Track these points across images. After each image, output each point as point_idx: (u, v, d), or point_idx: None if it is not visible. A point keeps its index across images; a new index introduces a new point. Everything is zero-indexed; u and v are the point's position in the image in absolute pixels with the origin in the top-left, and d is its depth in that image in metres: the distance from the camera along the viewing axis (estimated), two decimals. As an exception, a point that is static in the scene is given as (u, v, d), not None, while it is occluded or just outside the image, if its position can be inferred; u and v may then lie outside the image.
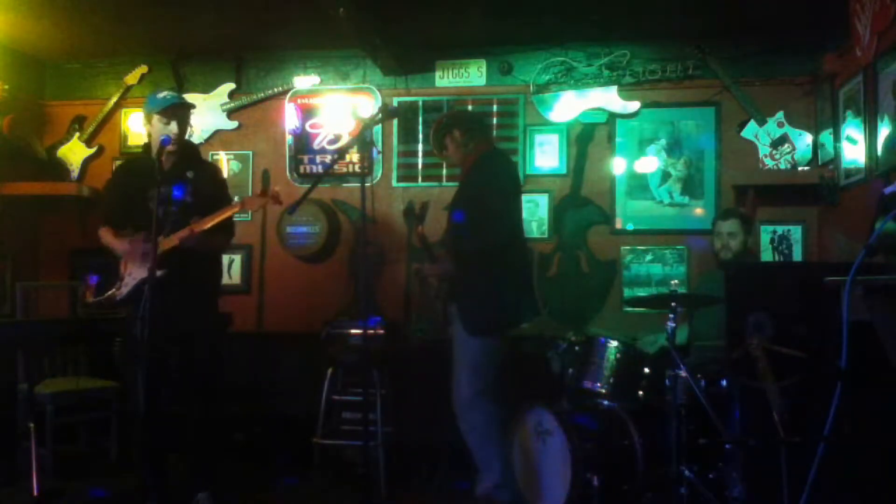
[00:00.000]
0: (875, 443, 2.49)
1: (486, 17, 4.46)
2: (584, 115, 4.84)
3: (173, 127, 3.35)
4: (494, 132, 4.92)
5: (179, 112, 3.39)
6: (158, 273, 3.05)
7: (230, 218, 3.41)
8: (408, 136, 5.04)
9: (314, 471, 4.13)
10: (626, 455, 3.32)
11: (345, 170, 5.09)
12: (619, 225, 4.81)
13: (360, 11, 4.12)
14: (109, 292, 3.45)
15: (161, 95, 3.41)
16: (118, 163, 3.97)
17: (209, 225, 3.25)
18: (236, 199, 3.56)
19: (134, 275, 3.36)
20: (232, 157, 5.23)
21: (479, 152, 3.51)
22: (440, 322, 3.58)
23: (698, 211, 4.68)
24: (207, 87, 5.23)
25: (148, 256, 3.23)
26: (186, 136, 3.54)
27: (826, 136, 4.38)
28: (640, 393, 3.48)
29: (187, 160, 3.48)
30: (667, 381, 3.27)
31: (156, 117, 3.37)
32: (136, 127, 5.34)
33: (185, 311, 3.27)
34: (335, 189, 5.10)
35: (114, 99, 5.30)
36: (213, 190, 3.49)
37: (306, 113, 5.15)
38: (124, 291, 3.38)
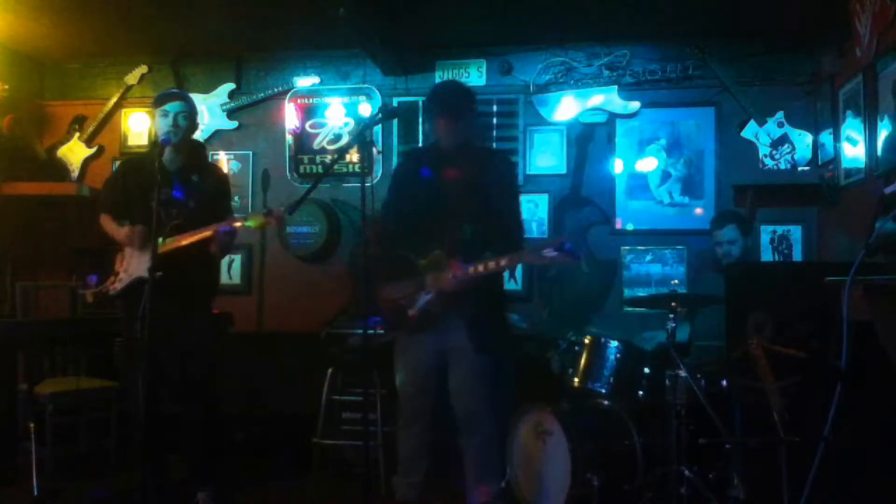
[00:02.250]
0: (875, 443, 2.49)
1: (486, 16, 4.46)
2: (584, 115, 4.84)
3: (169, 119, 3.33)
4: (494, 132, 4.94)
5: (169, 101, 3.37)
6: (155, 275, 3.00)
7: (229, 210, 3.48)
8: (408, 136, 5.04)
9: (314, 471, 4.13)
10: (626, 455, 3.32)
11: (345, 170, 5.09)
12: (619, 225, 4.81)
13: (360, 11, 4.12)
14: (103, 286, 3.45)
15: (161, 93, 3.45)
16: (124, 158, 3.96)
17: (201, 238, 3.23)
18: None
19: (130, 270, 3.36)
20: (232, 157, 5.23)
21: (476, 143, 3.32)
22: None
23: (698, 211, 4.68)
24: (207, 87, 5.23)
25: (145, 251, 3.25)
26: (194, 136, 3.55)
27: (826, 136, 4.38)
28: (640, 393, 3.47)
29: (194, 162, 3.47)
30: (667, 381, 3.27)
31: (157, 113, 3.38)
32: (137, 127, 5.35)
33: (180, 313, 3.27)
34: (335, 189, 5.10)
35: (114, 99, 5.31)
36: (216, 196, 3.48)
37: (306, 113, 5.15)
38: (119, 287, 3.38)
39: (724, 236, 3.89)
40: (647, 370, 3.49)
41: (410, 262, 3.01)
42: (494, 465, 3.23)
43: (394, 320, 3.17)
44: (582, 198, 4.86)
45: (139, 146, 5.32)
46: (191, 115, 3.43)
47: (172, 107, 3.35)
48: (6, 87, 4.87)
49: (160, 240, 3.13)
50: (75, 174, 5.32)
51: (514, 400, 3.28)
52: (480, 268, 2.93)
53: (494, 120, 4.94)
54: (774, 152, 4.53)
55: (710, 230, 4.02)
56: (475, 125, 3.27)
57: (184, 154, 3.43)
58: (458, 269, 2.96)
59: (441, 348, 3.16)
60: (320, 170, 5.06)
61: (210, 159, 5.03)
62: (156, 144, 3.49)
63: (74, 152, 5.34)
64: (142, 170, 3.44)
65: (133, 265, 3.36)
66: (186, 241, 3.24)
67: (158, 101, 3.39)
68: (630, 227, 4.79)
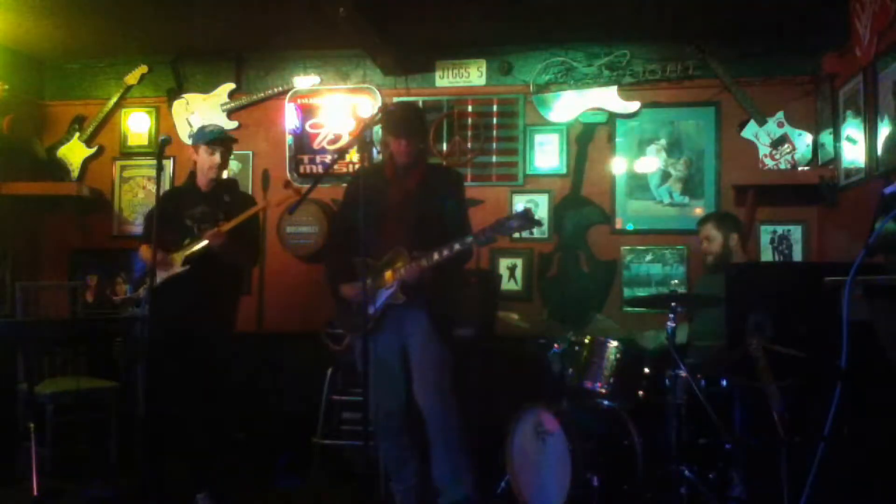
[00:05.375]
0: (875, 443, 2.49)
1: (486, 17, 4.46)
2: (584, 115, 4.83)
3: (217, 157, 3.65)
4: (494, 132, 4.94)
5: (223, 144, 3.70)
6: (181, 269, 3.49)
7: (256, 238, 3.90)
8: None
9: (314, 471, 4.13)
10: (626, 455, 3.33)
11: (345, 170, 5.09)
12: (619, 225, 4.81)
13: (360, 11, 4.12)
14: (136, 293, 3.70)
15: (209, 129, 3.77)
16: (166, 191, 4.25)
17: (236, 223, 3.55)
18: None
19: (161, 275, 3.50)
20: (232, 157, 5.21)
21: (427, 160, 3.63)
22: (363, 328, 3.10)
23: (698, 211, 4.67)
24: (207, 87, 5.23)
25: (175, 260, 3.54)
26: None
27: (826, 136, 4.37)
28: (640, 393, 3.48)
29: (226, 187, 3.81)
30: (667, 381, 3.27)
31: (202, 148, 3.66)
32: (136, 127, 5.36)
33: (204, 314, 3.48)
34: (335, 189, 5.09)
35: (114, 99, 5.31)
36: (234, 215, 3.70)
37: (306, 113, 5.15)
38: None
39: (702, 234, 3.89)
40: (647, 370, 3.50)
41: (366, 264, 3.06)
42: (466, 454, 3.26)
43: (354, 322, 3.23)
44: (582, 198, 4.86)
45: (139, 146, 5.33)
46: (231, 148, 3.81)
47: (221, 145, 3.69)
48: (6, 87, 4.87)
49: (186, 240, 3.59)
50: (75, 174, 5.32)
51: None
52: (445, 251, 3.08)
53: (494, 120, 4.95)
54: (774, 152, 4.52)
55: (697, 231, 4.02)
56: (426, 143, 3.60)
57: (217, 180, 3.74)
58: (422, 256, 3.11)
59: (402, 342, 3.29)
60: (320, 170, 5.06)
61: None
62: (193, 175, 3.76)
63: (74, 152, 5.34)
64: (179, 195, 3.83)
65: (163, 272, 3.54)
66: (235, 223, 3.56)
67: (214, 143, 3.66)
68: (630, 227, 4.79)
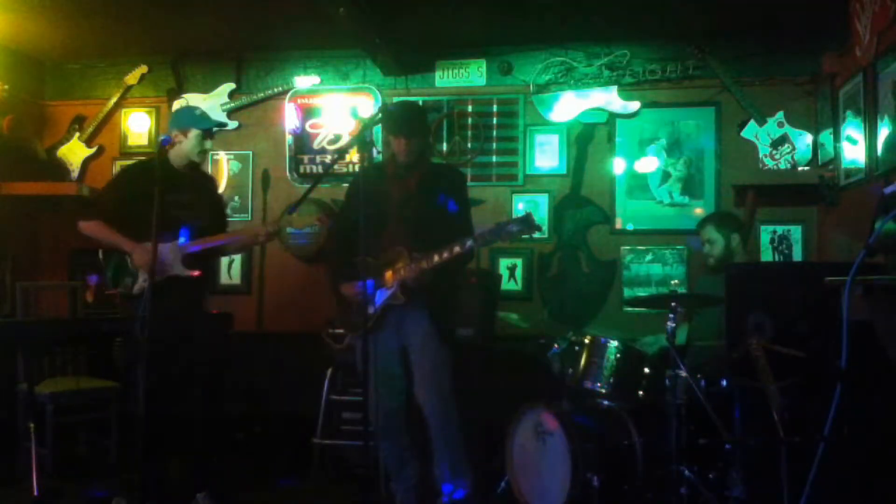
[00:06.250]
0: (875, 443, 2.49)
1: (486, 17, 4.46)
2: (584, 115, 4.84)
3: (208, 145, 3.58)
4: (494, 132, 4.94)
5: (215, 134, 3.74)
6: (194, 273, 3.39)
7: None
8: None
9: (314, 471, 4.13)
10: (626, 455, 3.32)
11: (345, 170, 5.09)
12: (619, 225, 4.81)
13: (360, 11, 4.12)
14: (123, 284, 3.48)
15: (199, 113, 3.61)
16: (127, 165, 4.00)
17: (274, 228, 3.54)
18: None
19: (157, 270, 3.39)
20: (232, 157, 5.23)
21: (428, 158, 3.60)
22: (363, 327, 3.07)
23: (698, 211, 4.68)
24: (207, 87, 5.24)
25: (164, 259, 3.36)
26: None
27: (826, 136, 4.38)
28: (640, 393, 3.47)
29: (197, 169, 3.69)
30: (667, 381, 3.27)
31: (195, 132, 3.50)
32: (136, 127, 5.36)
33: (191, 310, 3.45)
34: (335, 189, 5.09)
35: (114, 99, 5.31)
36: (220, 199, 3.78)
37: (306, 113, 5.15)
38: (142, 286, 3.42)
39: (704, 236, 3.87)
40: (647, 370, 3.50)
41: (367, 262, 3.05)
42: (465, 454, 3.28)
43: (355, 321, 3.22)
44: (582, 198, 4.86)
45: (139, 146, 5.33)
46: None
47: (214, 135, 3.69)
48: (6, 87, 4.87)
49: (182, 240, 3.41)
50: (75, 174, 5.32)
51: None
52: (445, 254, 3.06)
53: (494, 120, 4.95)
54: (774, 152, 4.52)
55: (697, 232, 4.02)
56: (427, 142, 3.60)
57: (189, 164, 3.59)
58: (423, 258, 3.09)
59: (402, 342, 3.29)
60: (320, 170, 5.06)
61: (210, 158, 5.12)
62: (162, 149, 3.51)
63: (74, 152, 5.35)
64: (149, 175, 3.38)
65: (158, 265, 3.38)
66: (213, 242, 3.47)
67: (211, 132, 3.59)
68: (630, 227, 4.79)
